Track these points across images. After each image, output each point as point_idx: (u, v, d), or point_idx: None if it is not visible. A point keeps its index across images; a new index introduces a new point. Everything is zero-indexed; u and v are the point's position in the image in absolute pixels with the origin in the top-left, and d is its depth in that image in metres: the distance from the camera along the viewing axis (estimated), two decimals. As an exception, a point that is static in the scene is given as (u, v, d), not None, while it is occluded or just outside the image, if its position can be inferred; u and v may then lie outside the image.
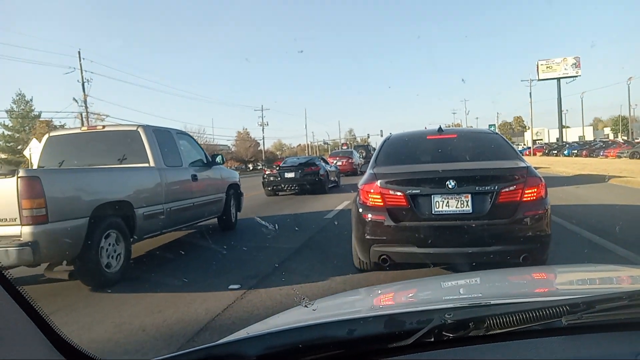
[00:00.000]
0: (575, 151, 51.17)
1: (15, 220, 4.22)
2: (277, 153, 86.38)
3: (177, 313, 4.04)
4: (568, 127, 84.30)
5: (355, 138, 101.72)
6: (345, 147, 62.49)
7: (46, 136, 6.80)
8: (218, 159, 8.11)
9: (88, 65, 55.60)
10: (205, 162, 7.81)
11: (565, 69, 66.69)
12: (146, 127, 6.48)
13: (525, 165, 4.33)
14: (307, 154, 66.38)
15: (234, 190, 8.68)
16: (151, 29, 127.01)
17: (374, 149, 10.58)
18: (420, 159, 4.94)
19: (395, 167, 4.63)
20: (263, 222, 8.32)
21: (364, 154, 32.50)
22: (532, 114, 63.49)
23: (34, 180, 4.29)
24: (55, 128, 37.23)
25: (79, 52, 37.83)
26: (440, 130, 5.33)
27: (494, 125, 53.08)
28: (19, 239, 4.20)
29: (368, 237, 4.28)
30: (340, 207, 10.80)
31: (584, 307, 1.03)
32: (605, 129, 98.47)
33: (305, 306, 1.48)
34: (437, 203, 4.12)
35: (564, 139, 69.52)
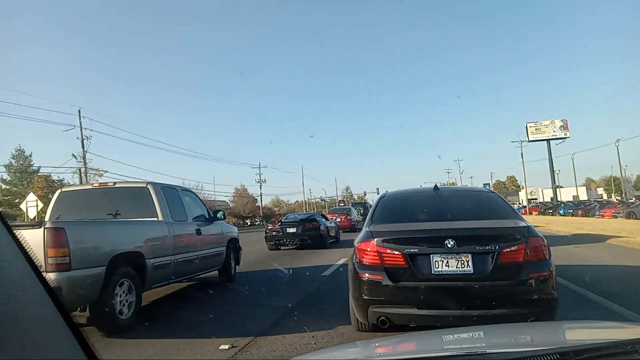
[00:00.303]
0: (571, 210, 51.30)
1: (41, 267, 4.08)
2: (275, 209, 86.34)
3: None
4: (561, 186, 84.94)
5: (352, 195, 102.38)
6: (342, 204, 63.10)
7: (58, 191, 7.10)
8: (219, 214, 8.51)
9: (88, 123, 56.22)
10: (207, 217, 8.13)
11: (553, 130, 67.94)
12: (155, 184, 6.92)
13: (525, 224, 4.22)
14: (304, 211, 66.49)
15: (234, 244, 9.02)
16: (151, 90, 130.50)
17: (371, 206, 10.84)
18: (417, 217, 4.83)
19: (392, 225, 4.51)
20: (282, 269, 8.62)
21: (361, 211, 33.48)
22: (526, 174, 64.58)
23: (59, 231, 4.61)
24: (53, 183, 37.31)
25: (79, 111, 38.62)
26: (436, 188, 5.26)
27: (489, 184, 53.64)
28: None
29: (365, 297, 4.09)
30: (341, 262, 10.88)
31: (573, 355, 1.10)
32: (598, 189, 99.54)
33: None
34: (437, 263, 3.96)
35: (558, 199, 69.83)
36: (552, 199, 71.87)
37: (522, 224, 4.25)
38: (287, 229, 15.96)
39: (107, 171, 42.06)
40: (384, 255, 4.07)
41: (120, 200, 6.81)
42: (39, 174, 44.40)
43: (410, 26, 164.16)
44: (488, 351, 1.28)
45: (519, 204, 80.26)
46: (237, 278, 9.03)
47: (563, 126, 68.17)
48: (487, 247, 3.93)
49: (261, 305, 6.53)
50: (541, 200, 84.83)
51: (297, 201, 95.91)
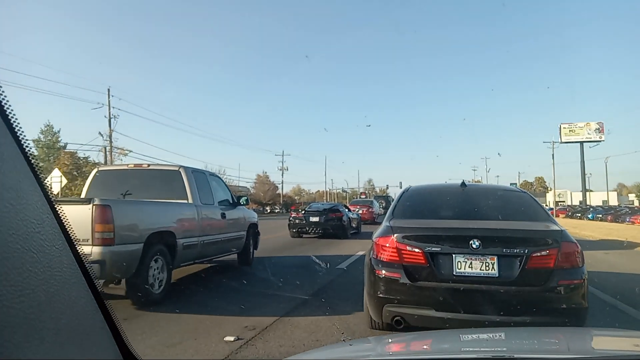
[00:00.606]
0: (600, 215, 50.06)
1: (87, 241, 4.85)
2: (296, 198, 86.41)
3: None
4: (591, 190, 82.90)
5: (374, 188, 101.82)
6: (363, 197, 63.08)
7: (95, 170, 7.49)
8: (242, 200, 8.83)
9: (116, 102, 56.99)
10: (231, 202, 8.45)
11: (588, 133, 66.31)
12: (186, 168, 7.27)
13: (559, 228, 3.92)
14: (325, 201, 66.42)
15: (253, 230, 9.33)
16: (183, 71, 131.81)
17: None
18: (441, 214, 4.58)
19: (414, 221, 4.27)
20: (317, 261, 8.59)
21: (383, 204, 33.21)
22: (555, 176, 62.77)
23: (106, 208, 4.98)
24: (79, 160, 37.93)
25: (109, 90, 38.98)
26: (463, 184, 4.97)
27: (515, 184, 52.65)
28: (89, 257, 4.57)
29: (381, 295, 3.87)
30: (360, 253, 10.83)
31: None
32: (629, 195, 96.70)
33: (343, 340, 1.76)
34: (459, 263, 3.71)
35: (587, 203, 68.21)
36: (580, 202, 70.15)
37: (555, 227, 3.95)
38: (310, 217, 16.45)
39: (131, 151, 42.61)
40: (403, 252, 3.83)
41: (153, 181, 7.19)
42: (65, 150, 45.30)
43: (439, 21, 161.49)
44: (516, 356, 1.21)
45: (546, 206, 78.23)
46: (254, 264, 9.19)
47: (599, 129, 66.55)
48: (515, 250, 3.66)
49: (274, 295, 6.39)
50: (569, 203, 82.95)
51: (319, 191, 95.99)
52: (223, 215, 7.76)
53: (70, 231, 0.82)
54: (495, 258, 3.68)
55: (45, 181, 0.84)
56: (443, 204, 4.83)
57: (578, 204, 73.43)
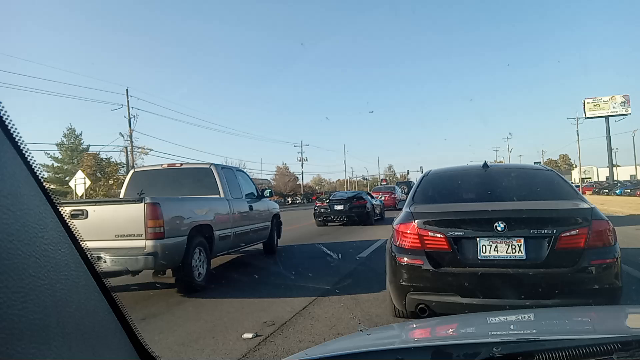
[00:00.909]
0: (629, 190, 48.73)
1: (141, 236, 5.43)
2: (316, 188, 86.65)
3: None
4: (618, 165, 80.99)
5: (394, 174, 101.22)
6: (384, 183, 62.93)
7: (132, 171, 8.22)
8: (266, 192, 9.34)
9: (135, 102, 57.51)
10: (256, 195, 8.96)
11: (613, 107, 64.71)
12: (216, 165, 7.77)
13: (589, 206, 3.76)
14: (345, 189, 66.40)
15: (276, 220, 9.86)
16: (198, 67, 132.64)
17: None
18: (463, 198, 4.46)
19: (435, 206, 4.16)
20: (328, 252, 8.70)
21: (405, 190, 33.50)
22: (580, 152, 61.44)
23: (156, 206, 5.49)
24: (101, 161, 38.58)
25: (127, 90, 39.48)
26: (485, 165, 4.82)
27: (540, 162, 51.66)
28: (143, 250, 5.40)
29: (404, 283, 3.79)
30: (384, 239, 10.95)
31: (636, 345, 1.03)
32: None
33: (361, 330, 1.67)
34: (484, 247, 3.60)
35: (614, 178, 66.71)
36: (607, 178, 68.52)
37: (585, 205, 3.79)
38: (335, 206, 16.93)
39: (151, 149, 43.14)
40: (425, 238, 3.73)
41: (186, 179, 7.72)
42: (88, 152, 46.15)
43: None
44: (540, 338, 1.19)
45: (573, 183, 76.56)
46: (277, 254, 9.57)
47: (624, 102, 64.87)
48: (543, 231, 3.53)
49: (294, 287, 6.35)
50: (595, 179, 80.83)
51: (339, 180, 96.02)
52: (250, 208, 8.28)
53: (76, 233, 0.79)
54: (522, 240, 3.55)
55: (47, 184, 0.81)
56: (465, 187, 4.70)
57: (605, 180, 71.76)
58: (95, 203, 6.03)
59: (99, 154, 43.83)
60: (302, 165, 74.01)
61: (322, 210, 17.17)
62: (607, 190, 55.51)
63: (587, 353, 1.01)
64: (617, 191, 51.35)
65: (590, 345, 1.02)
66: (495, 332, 1.64)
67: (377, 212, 19.15)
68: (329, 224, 17.17)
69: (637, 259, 7.19)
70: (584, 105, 65.35)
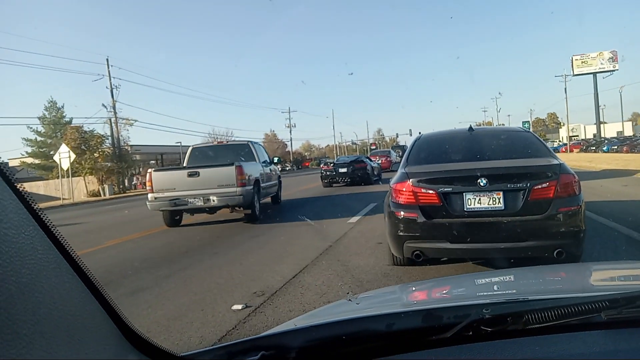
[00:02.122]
0: (615, 147, 49.77)
1: (234, 185, 9.40)
2: (306, 154, 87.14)
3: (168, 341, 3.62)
4: (605, 122, 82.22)
5: (383, 138, 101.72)
6: (373, 147, 63.92)
7: (191, 147, 12.42)
8: (275, 159, 13.91)
9: (116, 72, 56.43)
10: (269, 161, 13.01)
11: (601, 63, 65.63)
12: (252, 142, 12.67)
13: (558, 162, 4.43)
14: (335, 155, 67.06)
15: (279, 179, 13.95)
16: (178, 35, 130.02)
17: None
18: (451, 158, 5.09)
19: (426, 167, 4.79)
20: (307, 219, 9.77)
21: (400, 153, 35.69)
22: (568, 110, 62.16)
23: (241, 167, 9.56)
24: (85, 134, 38.09)
25: (107, 60, 38.95)
26: (470, 129, 5.46)
27: (528, 122, 51.92)
28: (236, 193, 9.37)
29: (401, 233, 4.46)
30: (372, 205, 11.98)
31: (624, 302, 1.05)
32: None
33: (349, 300, 1.58)
34: (469, 200, 4.26)
35: (602, 135, 68.00)
36: (594, 135, 69.73)
37: (555, 161, 4.46)
38: (339, 169, 20.15)
39: (136, 120, 42.83)
40: (418, 194, 4.38)
41: (231, 151, 11.93)
42: (71, 125, 45.28)
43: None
44: (529, 298, 1.24)
45: (559, 141, 78.27)
46: (278, 210, 12.91)
47: (612, 58, 65.75)
48: (518, 185, 4.19)
49: (286, 253, 6.64)
50: (583, 137, 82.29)
51: (328, 145, 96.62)
52: (270, 170, 12.42)
53: (41, 214, 0.75)
54: (501, 193, 4.21)
55: (54, 157, 0.93)
56: (452, 149, 5.34)
57: (592, 137, 73.07)
58: (204, 167, 9.90)
59: (82, 126, 42.80)
60: (290, 132, 74.65)
61: (328, 173, 20.31)
62: (594, 148, 56.62)
63: (575, 312, 1.04)
64: (604, 148, 52.31)
65: (577, 304, 1.05)
66: (484, 294, 1.73)
67: (375, 173, 21.95)
68: (334, 185, 20.04)
69: (607, 210, 7.95)
70: (572, 63, 66.07)
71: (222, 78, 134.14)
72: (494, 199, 4.22)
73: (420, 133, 6.07)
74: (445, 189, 4.32)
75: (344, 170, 19.87)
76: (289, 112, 74.06)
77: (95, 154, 37.80)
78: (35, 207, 0.73)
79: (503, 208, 4.20)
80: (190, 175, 9.59)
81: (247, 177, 9.59)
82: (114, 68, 39.48)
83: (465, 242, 4.28)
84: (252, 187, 9.76)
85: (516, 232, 4.15)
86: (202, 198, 9.41)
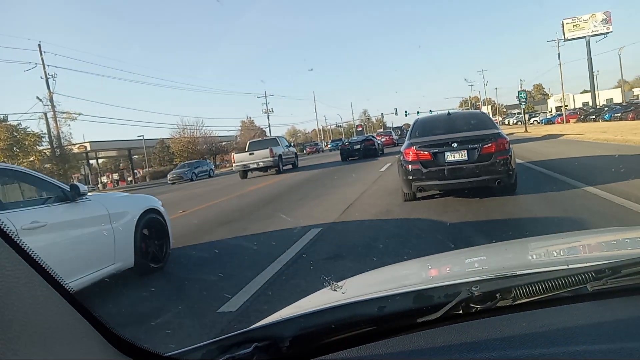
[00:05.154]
0: (619, 114, 49.20)
1: (268, 157, 25.54)
2: (292, 140, 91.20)
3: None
4: (589, 91, 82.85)
5: (369, 118, 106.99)
6: (360, 129, 69.96)
7: (249, 142, 28.89)
8: (291, 144, 31.85)
9: (51, 60, 49.91)
10: (288, 145, 29.51)
11: (594, 25, 68.96)
12: (277, 137, 29.41)
13: (497, 131, 8.79)
14: (319, 139, 71.41)
15: (295, 155, 30.89)
16: (139, 22, 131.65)
17: (406, 130, 29.48)
18: (436, 132, 9.36)
19: (422, 138, 9.10)
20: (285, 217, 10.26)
21: (399, 133, 57.89)
22: (562, 77, 65.71)
23: (271, 149, 25.83)
24: (16, 131, 36.43)
25: (39, 45, 38.26)
26: (449, 114, 9.92)
27: (524, 91, 53.19)
28: (269, 161, 25.89)
29: (410, 177, 8.75)
30: (388, 164, 20.34)
31: (609, 272, 1.18)
32: (634, 89, 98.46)
33: (334, 290, 1.68)
34: (448, 156, 8.52)
35: (597, 103, 70.72)
36: (583, 104, 72.47)
37: (496, 131, 8.80)
38: (354, 146, 31.98)
39: (80, 114, 41.57)
40: (419, 154, 8.66)
41: (268, 142, 27.73)
42: (4, 123, 40.53)
43: None
44: (517, 272, 1.32)
45: (550, 112, 79.37)
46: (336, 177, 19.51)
47: (605, 19, 69.13)
48: (475, 145, 8.46)
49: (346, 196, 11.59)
50: (572, 107, 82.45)
51: (314, 130, 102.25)
52: (289, 150, 28.50)
53: (5, 229, 0.77)
54: (466, 151, 8.50)
55: None
56: (437, 126, 9.68)
57: (581, 106, 75.79)
58: (256, 150, 25.92)
59: (19, 124, 39.41)
60: (268, 118, 79.02)
61: (345, 149, 32.39)
62: (593, 117, 56.49)
63: (562, 284, 1.18)
64: (606, 116, 52.23)
65: (564, 277, 1.19)
66: (472, 270, 1.90)
67: (380, 148, 33.50)
68: (350, 159, 31.13)
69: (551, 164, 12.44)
70: (563, 27, 69.56)
71: (192, 66, 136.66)
72: (461, 154, 8.53)
73: (418, 116, 10.44)
74: (434, 151, 8.62)
75: (357, 147, 31.52)
76: (265, 97, 78.19)
77: (30, 157, 36.04)
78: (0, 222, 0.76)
79: (467, 159, 8.50)
80: (250, 154, 25.88)
81: (274, 153, 25.27)
82: (48, 54, 38.50)
83: (446, 180, 8.61)
84: (277, 158, 25.58)
85: (475, 171, 8.47)
86: (256, 163, 25.24)
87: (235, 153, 27.43)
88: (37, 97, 38.03)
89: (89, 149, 48.10)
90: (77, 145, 46.01)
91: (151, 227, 6.39)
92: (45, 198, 5.24)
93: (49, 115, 38.61)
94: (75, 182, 5.91)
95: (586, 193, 8.15)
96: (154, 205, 6.65)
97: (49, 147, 38.32)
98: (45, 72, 38.10)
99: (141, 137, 51.80)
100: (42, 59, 38.15)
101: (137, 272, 6.00)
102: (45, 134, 38.21)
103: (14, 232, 0.77)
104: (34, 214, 4.75)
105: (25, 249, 0.78)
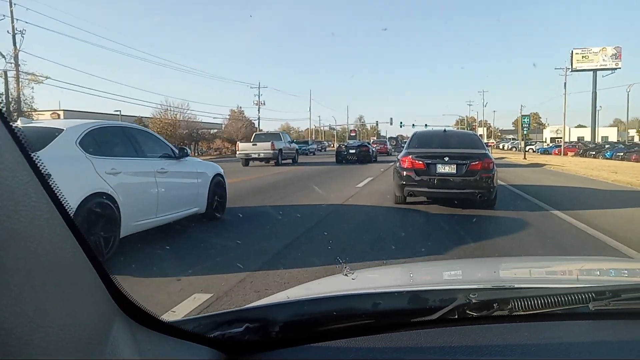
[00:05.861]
0: (621, 154, 48.39)
1: (269, 149, 28.31)
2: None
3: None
4: (585, 126, 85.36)
5: (364, 125, 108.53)
6: (353, 134, 72.47)
7: (254, 134, 33.85)
8: (294, 142, 35.52)
9: (22, 14, 47.48)
10: (290, 141, 34.06)
11: (603, 59, 69.69)
12: (282, 132, 37.19)
13: (484, 152, 10.13)
14: (312, 139, 72.49)
15: (296, 151, 34.15)
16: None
17: (401, 141, 47.24)
18: (432, 146, 10.63)
19: (419, 149, 10.38)
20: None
21: (394, 143, 63.01)
22: (566, 107, 62.70)
23: (272, 142, 29.32)
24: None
25: (9, -4, 34.73)
26: (445, 131, 11.32)
27: (528, 116, 52.07)
28: (270, 153, 28.27)
29: (403, 182, 10.03)
30: (382, 170, 22.96)
31: (610, 295, 1.23)
32: (630, 130, 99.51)
33: (346, 275, 1.79)
34: (439, 167, 9.79)
35: (588, 139, 70.72)
36: (578, 139, 72.93)
37: (483, 151, 10.15)
38: (350, 150, 33.74)
39: (48, 77, 39.39)
40: (414, 163, 9.92)
41: (272, 136, 31.58)
42: None
43: None
44: (516, 285, 1.40)
45: (546, 144, 79.36)
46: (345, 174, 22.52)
47: (615, 55, 69.77)
48: (463, 162, 9.71)
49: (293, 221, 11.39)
50: (567, 140, 77.79)
51: (307, 129, 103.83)
52: (290, 145, 32.21)
53: (37, 162, 0.78)
54: (455, 165, 9.77)
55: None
56: (433, 140, 10.99)
57: (576, 140, 76.21)
58: (259, 142, 29.09)
59: None
60: (259, 110, 77.56)
61: (341, 152, 34.04)
62: (594, 153, 55.09)
63: (563, 302, 1.21)
64: (607, 154, 51.42)
65: (566, 294, 1.22)
66: (471, 279, 2.04)
67: (374, 155, 35.68)
68: (344, 162, 32.77)
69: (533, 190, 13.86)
70: (572, 57, 70.17)
71: (186, 45, 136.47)
72: (451, 168, 9.81)
73: (415, 130, 11.81)
74: (427, 161, 9.90)
75: (353, 151, 33.44)
76: (259, 88, 76.74)
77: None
78: (31, 152, 0.76)
79: (455, 172, 9.78)
80: (253, 144, 29.03)
81: (275, 147, 28.08)
82: (19, 7, 35.64)
83: (435, 188, 9.91)
84: (277, 151, 28.31)
85: (460, 184, 9.76)
86: (257, 154, 28.14)
87: (240, 142, 32.03)
88: (0, 53, 35.60)
89: (62, 117, 44.57)
90: (51, 112, 44.00)
91: (217, 186, 8.82)
92: (165, 154, 7.58)
93: (11, 74, 36.09)
94: (183, 146, 9.70)
95: None
96: (220, 171, 9.17)
97: (5, 108, 33.22)
98: (12, 27, 35.36)
99: (118, 112, 48.20)
100: (12, 11, 35.40)
101: (206, 217, 8.44)
102: (1, 94, 35.43)
103: (44, 168, 0.78)
104: (161, 163, 7.17)
105: (51, 185, 0.79)
